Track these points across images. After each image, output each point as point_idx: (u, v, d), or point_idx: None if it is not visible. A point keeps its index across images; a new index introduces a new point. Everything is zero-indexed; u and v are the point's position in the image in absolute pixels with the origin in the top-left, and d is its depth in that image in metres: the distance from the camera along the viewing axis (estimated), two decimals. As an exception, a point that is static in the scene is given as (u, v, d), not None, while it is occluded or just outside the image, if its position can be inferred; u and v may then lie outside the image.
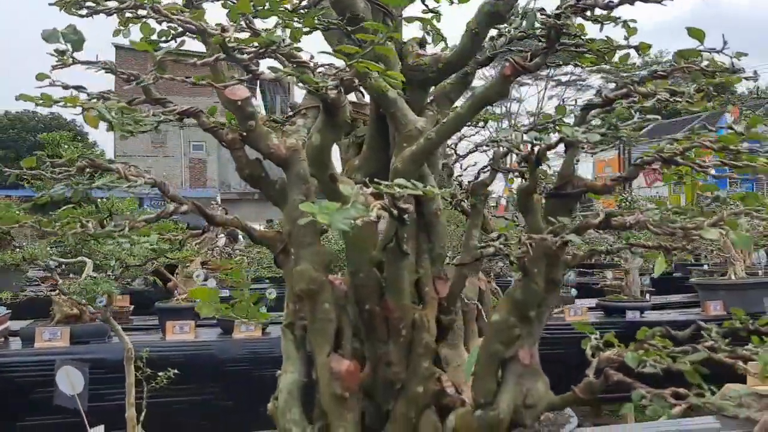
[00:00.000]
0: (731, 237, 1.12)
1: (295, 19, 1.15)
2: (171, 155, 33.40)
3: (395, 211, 1.27)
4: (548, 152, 1.41)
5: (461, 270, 1.60)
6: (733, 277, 7.01)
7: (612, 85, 1.51)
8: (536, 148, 1.27)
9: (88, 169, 1.31)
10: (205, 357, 5.09)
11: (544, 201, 1.45)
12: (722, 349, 1.34)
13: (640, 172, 1.33)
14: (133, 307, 6.48)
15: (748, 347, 1.35)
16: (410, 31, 1.76)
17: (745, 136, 1.20)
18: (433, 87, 1.64)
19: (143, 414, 2.43)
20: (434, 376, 1.42)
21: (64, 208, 1.32)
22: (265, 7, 1.15)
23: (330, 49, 1.36)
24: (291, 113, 1.57)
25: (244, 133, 1.35)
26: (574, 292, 6.63)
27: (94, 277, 2.75)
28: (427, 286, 1.51)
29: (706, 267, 8.32)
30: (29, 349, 4.76)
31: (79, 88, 1.25)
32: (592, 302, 6.55)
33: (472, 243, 1.60)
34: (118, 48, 27.04)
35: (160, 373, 2.51)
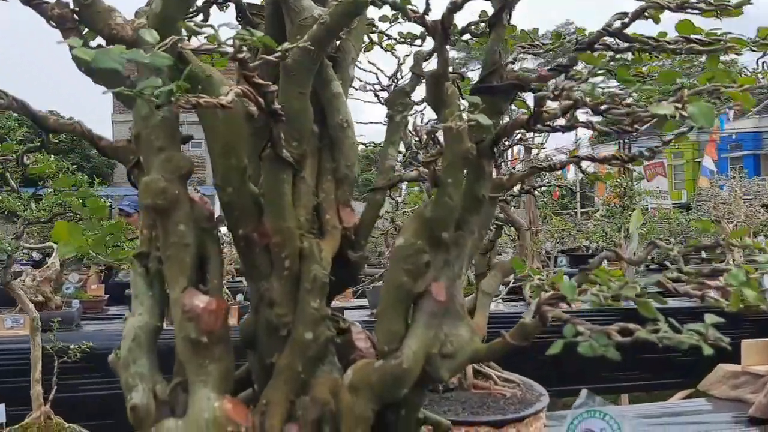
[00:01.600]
0: (690, 110, 0.83)
1: None
2: (169, 155, 33.23)
3: (261, 100, 0.98)
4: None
5: (374, 196, 1.30)
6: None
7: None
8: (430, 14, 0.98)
9: None
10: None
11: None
12: (689, 280, 1.04)
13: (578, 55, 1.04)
14: (108, 296, 6.27)
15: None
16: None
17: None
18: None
19: (53, 393, 2.14)
20: (326, 319, 1.12)
21: None
22: None
23: None
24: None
25: (78, 9, 1.06)
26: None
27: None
28: (328, 213, 1.21)
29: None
30: (-11, 337, 4.52)
31: None
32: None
33: (389, 164, 1.30)
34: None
35: (72, 346, 2.23)
